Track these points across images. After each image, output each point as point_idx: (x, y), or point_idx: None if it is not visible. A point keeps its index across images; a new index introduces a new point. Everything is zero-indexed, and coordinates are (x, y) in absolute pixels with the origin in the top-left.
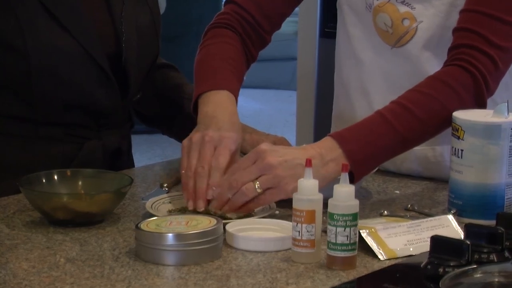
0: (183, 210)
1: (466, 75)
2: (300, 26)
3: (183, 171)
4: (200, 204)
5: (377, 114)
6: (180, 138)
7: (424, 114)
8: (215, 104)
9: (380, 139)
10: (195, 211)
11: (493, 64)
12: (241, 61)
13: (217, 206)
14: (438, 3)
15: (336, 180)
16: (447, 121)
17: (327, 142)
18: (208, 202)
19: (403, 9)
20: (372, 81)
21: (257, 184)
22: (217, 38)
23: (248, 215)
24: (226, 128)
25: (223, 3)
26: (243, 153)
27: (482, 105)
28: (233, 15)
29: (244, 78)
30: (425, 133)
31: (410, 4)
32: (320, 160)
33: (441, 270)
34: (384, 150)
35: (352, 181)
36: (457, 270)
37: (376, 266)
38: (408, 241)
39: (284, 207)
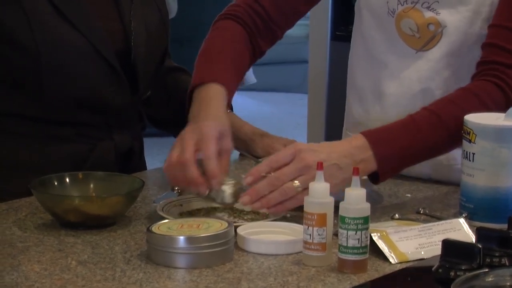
0: (194, 213)
1: (498, 91)
2: (311, 29)
3: (165, 167)
4: (202, 189)
5: (410, 120)
6: None
7: (455, 125)
8: (200, 101)
9: (410, 146)
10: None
11: None
12: (240, 50)
13: (251, 201)
14: (463, 9)
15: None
16: None
17: (360, 141)
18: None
19: (428, 14)
20: (389, 85)
21: (296, 184)
22: (221, 31)
23: (260, 218)
24: (203, 119)
25: None
26: (256, 156)
27: None
28: (244, 7)
29: (251, 77)
30: (453, 144)
31: (435, 10)
32: (351, 159)
33: (452, 273)
34: (412, 156)
35: (376, 182)
36: (468, 274)
37: (388, 270)
38: (419, 244)
39: (295, 210)
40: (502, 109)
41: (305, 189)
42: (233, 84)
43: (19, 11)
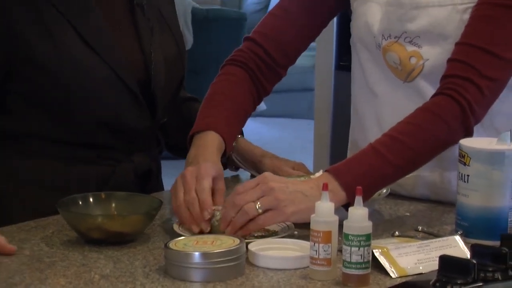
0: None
1: (455, 105)
2: (317, 60)
3: (175, 206)
4: (204, 226)
5: (369, 147)
6: None
7: (414, 143)
8: (197, 147)
9: (373, 170)
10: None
11: (481, 94)
12: (242, 94)
13: (223, 226)
14: (444, 43)
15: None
16: (437, 149)
17: (324, 177)
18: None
19: (410, 48)
20: (386, 113)
21: (258, 204)
22: (225, 76)
23: (269, 235)
24: (202, 161)
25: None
26: None
27: (468, 132)
28: (248, 53)
29: (261, 104)
30: (417, 161)
31: (417, 44)
32: (318, 191)
33: (449, 287)
34: (378, 179)
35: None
36: None
37: (388, 284)
38: (418, 260)
39: (302, 228)
40: (459, 121)
41: (268, 210)
42: (231, 130)
43: (50, 43)
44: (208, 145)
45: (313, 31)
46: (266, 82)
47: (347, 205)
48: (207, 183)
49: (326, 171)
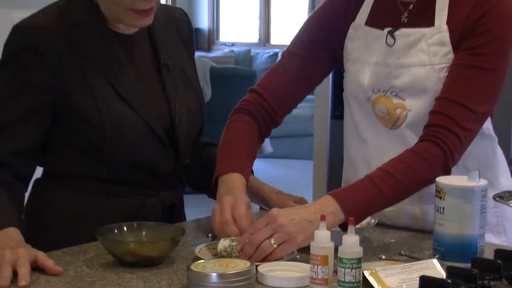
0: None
1: (437, 149)
2: (315, 110)
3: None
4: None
5: (367, 178)
6: None
7: (404, 179)
8: (227, 187)
9: (369, 199)
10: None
11: (459, 141)
12: (254, 140)
13: (244, 259)
14: (424, 96)
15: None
16: (421, 185)
17: (327, 199)
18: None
19: (396, 100)
20: (373, 156)
21: (272, 241)
22: (238, 123)
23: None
24: (235, 192)
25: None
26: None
27: (447, 173)
28: (254, 103)
29: (268, 147)
30: (404, 194)
31: (401, 97)
32: (321, 214)
33: None
34: (371, 206)
35: (345, 229)
36: None
37: None
38: (401, 279)
39: (303, 252)
40: (440, 164)
41: (282, 243)
42: (249, 169)
43: (90, 98)
44: (236, 186)
45: (308, 88)
46: (267, 128)
47: (342, 225)
48: (242, 210)
49: (328, 194)
